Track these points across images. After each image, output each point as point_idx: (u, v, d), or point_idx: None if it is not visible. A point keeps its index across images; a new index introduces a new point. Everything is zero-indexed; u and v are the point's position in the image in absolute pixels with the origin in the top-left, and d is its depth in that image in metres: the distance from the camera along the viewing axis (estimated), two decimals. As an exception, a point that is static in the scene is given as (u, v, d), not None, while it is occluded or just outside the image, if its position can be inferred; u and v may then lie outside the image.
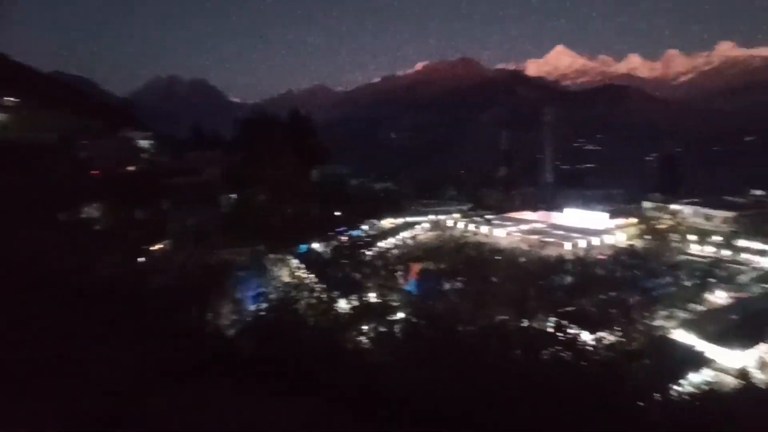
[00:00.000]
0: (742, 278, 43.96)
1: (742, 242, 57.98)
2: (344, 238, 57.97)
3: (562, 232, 65.30)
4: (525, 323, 10.35)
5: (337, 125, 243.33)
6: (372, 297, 30.64)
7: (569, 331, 9.88)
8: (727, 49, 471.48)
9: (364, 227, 68.17)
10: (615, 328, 15.79)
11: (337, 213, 69.06)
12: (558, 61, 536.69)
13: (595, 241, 61.01)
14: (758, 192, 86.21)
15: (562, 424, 4.93)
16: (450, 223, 76.43)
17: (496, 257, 52.12)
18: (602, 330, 12.42)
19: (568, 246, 58.02)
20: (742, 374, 19.89)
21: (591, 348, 9.44)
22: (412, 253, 54.27)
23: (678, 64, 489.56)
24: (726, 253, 54.42)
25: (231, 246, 41.31)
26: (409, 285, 41.29)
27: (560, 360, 8.70)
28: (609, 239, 62.30)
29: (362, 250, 53.47)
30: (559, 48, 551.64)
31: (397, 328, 15.15)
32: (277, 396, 6.36)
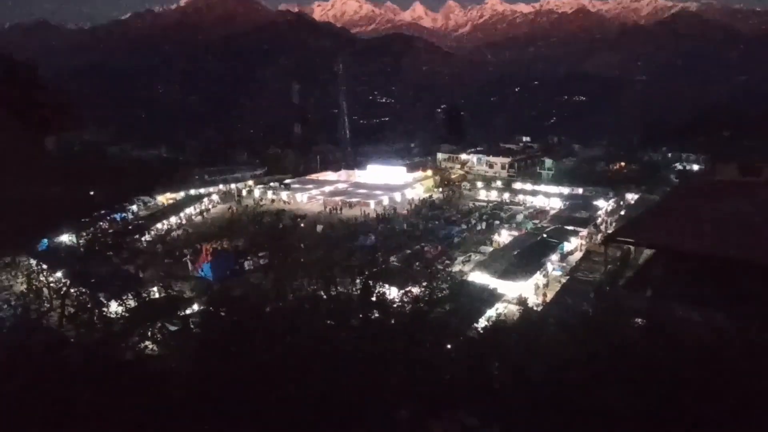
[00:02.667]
0: (519, 217, 54.95)
1: (517, 185, 72.25)
2: (106, 224, 51.24)
3: (365, 191, 70.20)
4: (334, 290, 11.00)
5: (77, 76, 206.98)
6: (154, 291, 28.10)
7: (377, 290, 10.93)
8: (494, 4, 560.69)
9: (134, 207, 61.60)
10: (420, 279, 18.24)
11: (91, 192, 60.24)
12: (345, 6, 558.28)
13: (397, 196, 67.60)
14: (526, 138, 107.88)
15: (375, 381, 5.48)
16: (244, 191, 74.78)
17: (300, 224, 53.25)
18: (408, 284, 14.21)
19: (372, 204, 62.90)
20: (522, 301, 25.51)
21: (399, 303, 10.67)
22: (201, 232, 51.32)
23: (456, 16, 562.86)
24: (506, 196, 67.01)
25: None
26: (202, 270, 39.34)
27: (370, 320, 9.57)
28: (409, 193, 69.78)
29: (134, 236, 48.21)
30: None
31: (191, 322, 14.33)
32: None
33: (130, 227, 52.67)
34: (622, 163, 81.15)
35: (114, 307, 16.66)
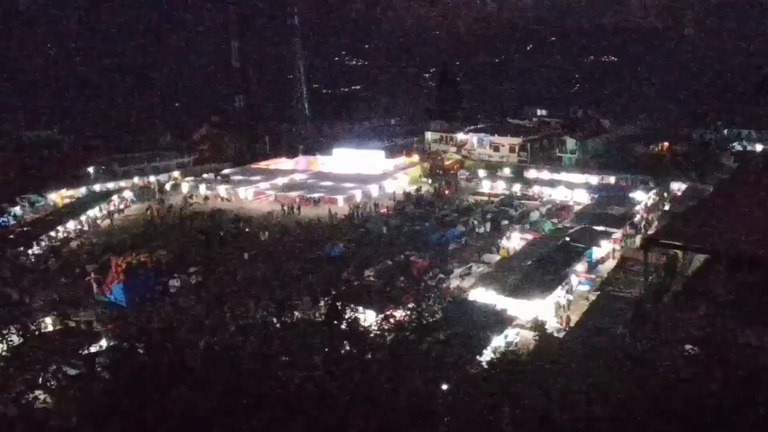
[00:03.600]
0: (534, 215, 55.57)
1: (531, 173, 73.02)
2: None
3: (331, 183, 70.24)
4: (290, 317, 11.03)
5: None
6: (47, 323, 27.76)
7: (348, 315, 10.93)
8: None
9: (16, 209, 60.58)
10: (405, 300, 18.33)
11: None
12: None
13: (374, 190, 67.70)
14: (541, 112, 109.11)
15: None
16: (167, 186, 74.06)
17: (244, 229, 52.99)
18: (390, 306, 14.30)
19: (340, 201, 62.86)
20: (539, 326, 25.78)
21: (377, 331, 10.69)
22: (110, 242, 50.75)
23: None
24: (516, 187, 67.68)
25: None
26: (113, 292, 38.94)
27: (339, 357, 9.56)
28: (390, 186, 69.94)
29: (17, 248, 47.49)
30: None
31: (98, 363, 14.17)
32: None
33: (11, 236, 51.82)
34: (666, 144, 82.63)
35: (-10, 344, 16.38)
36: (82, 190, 68.18)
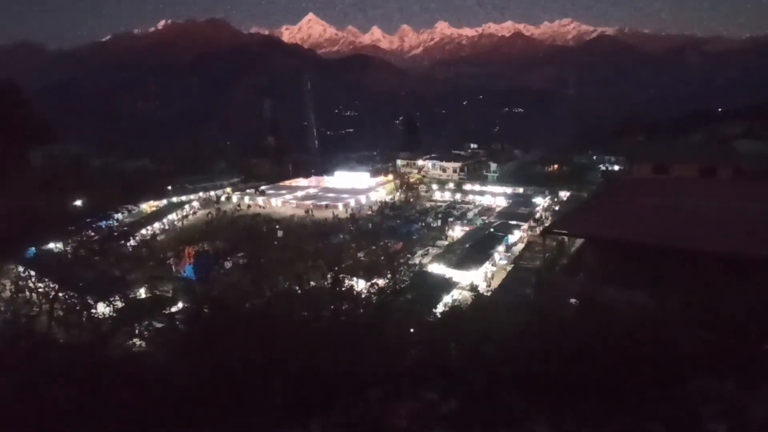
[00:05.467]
0: (470, 214, 55.89)
1: (467, 186, 73.42)
2: (92, 232, 49.15)
3: (333, 195, 70.01)
4: (307, 285, 10.96)
5: (58, 92, 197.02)
6: (141, 292, 27.02)
7: (346, 283, 10.92)
8: (443, 28, 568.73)
9: (118, 215, 59.10)
10: (384, 272, 18.39)
11: (77, 203, 57.76)
12: (311, 30, 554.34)
13: (362, 199, 67.61)
14: (473, 145, 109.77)
15: (347, 365, 5.44)
16: (222, 198, 73.40)
17: (275, 226, 52.65)
18: (374, 276, 14.35)
19: (340, 207, 62.70)
20: (473, 287, 26.08)
21: (366, 294, 10.70)
22: (183, 236, 49.96)
23: (410, 39, 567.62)
24: (458, 196, 68.03)
25: None
26: (185, 271, 38.32)
27: (339, 311, 9.51)
28: (373, 196, 69.89)
29: (119, 242, 46.35)
30: (311, 16, 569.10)
31: (176, 319, 13.87)
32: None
33: (115, 234, 50.67)
34: (556, 166, 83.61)
35: (102, 309, 15.96)
36: (164, 202, 67.15)
